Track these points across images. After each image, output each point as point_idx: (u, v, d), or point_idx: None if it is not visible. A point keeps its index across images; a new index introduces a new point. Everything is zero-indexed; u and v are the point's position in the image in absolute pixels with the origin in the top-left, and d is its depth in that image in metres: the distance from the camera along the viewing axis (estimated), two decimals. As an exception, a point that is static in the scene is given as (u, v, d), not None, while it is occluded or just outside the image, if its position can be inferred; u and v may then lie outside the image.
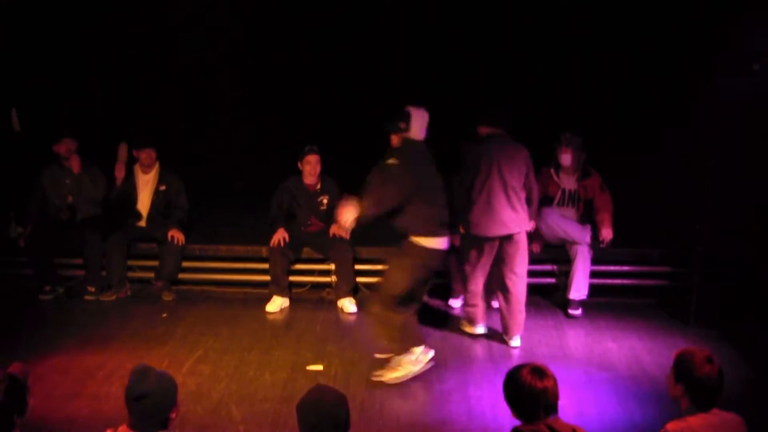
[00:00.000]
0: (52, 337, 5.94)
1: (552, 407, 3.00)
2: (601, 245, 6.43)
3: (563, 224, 6.45)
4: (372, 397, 4.99)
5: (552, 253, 6.65)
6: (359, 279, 6.82)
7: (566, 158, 6.42)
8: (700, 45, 6.02)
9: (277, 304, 6.56)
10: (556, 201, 6.56)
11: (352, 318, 6.45)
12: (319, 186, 6.67)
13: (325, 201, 6.67)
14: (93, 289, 6.71)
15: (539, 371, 3.03)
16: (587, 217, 6.54)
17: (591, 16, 7.36)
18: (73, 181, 6.83)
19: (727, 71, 5.72)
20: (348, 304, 6.55)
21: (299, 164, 6.59)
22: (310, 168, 6.54)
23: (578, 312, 6.36)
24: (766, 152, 5.77)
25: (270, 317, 6.46)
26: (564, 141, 6.39)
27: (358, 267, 6.78)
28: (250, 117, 8.17)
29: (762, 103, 5.69)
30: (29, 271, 6.90)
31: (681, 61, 6.53)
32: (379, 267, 6.82)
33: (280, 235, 6.51)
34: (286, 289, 6.64)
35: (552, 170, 6.54)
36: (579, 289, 6.37)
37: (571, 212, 6.57)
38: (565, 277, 6.71)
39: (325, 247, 6.60)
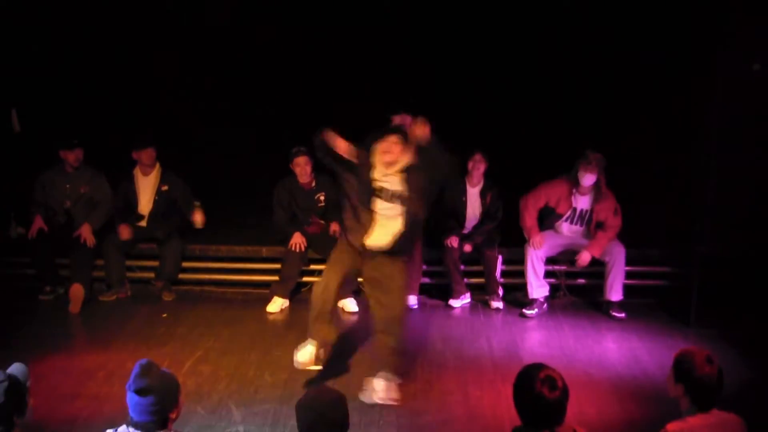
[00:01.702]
0: (52, 337, 5.95)
1: (561, 418, 2.97)
2: (576, 264, 6.41)
3: (575, 246, 6.46)
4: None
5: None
6: (359, 279, 6.83)
7: (590, 178, 6.23)
8: (700, 45, 6.02)
9: (277, 304, 6.56)
10: (564, 218, 6.48)
11: (353, 318, 6.45)
12: (314, 184, 6.69)
13: (322, 198, 6.70)
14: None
15: (552, 381, 2.93)
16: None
17: (590, 16, 7.35)
18: (73, 186, 6.82)
19: (727, 71, 5.72)
20: (349, 304, 6.54)
21: (291, 166, 6.63)
22: (300, 169, 6.59)
23: (622, 314, 6.32)
24: (766, 152, 5.76)
25: (270, 317, 6.46)
26: (593, 161, 6.16)
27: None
28: (251, 117, 8.17)
29: (762, 103, 5.69)
30: (29, 271, 6.90)
31: (681, 61, 6.52)
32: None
33: (298, 239, 6.54)
34: (290, 292, 6.65)
35: (573, 188, 6.36)
36: (612, 289, 6.35)
37: (579, 231, 6.50)
38: (565, 278, 6.76)
39: (324, 247, 6.60)
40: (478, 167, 6.58)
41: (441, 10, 7.65)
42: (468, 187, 6.68)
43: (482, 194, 6.66)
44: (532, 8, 7.49)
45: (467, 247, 6.53)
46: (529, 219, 6.45)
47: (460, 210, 6.70)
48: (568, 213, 6.44)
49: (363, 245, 4.91)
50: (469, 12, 7.65)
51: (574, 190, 6.37)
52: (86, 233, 6.68)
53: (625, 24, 7.18)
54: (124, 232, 6.71)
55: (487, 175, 6.66)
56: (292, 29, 7.93)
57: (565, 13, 7.42)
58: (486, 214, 6.65)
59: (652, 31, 6.97)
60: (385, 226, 4.87)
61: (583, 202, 6.41)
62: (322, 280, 5.05)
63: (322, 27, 7.85)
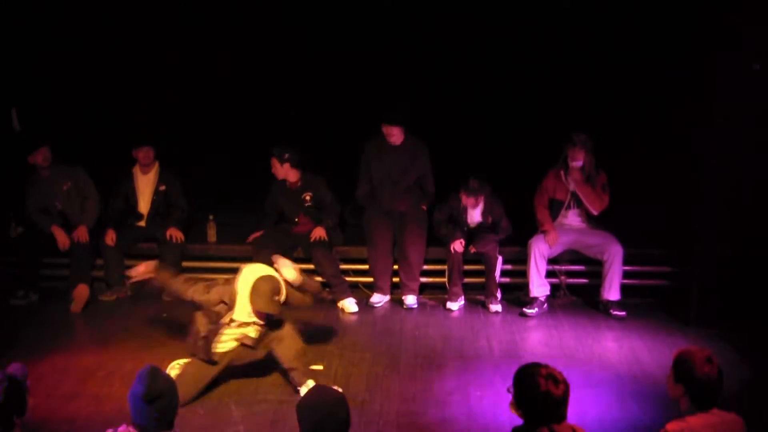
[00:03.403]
0: (52, 337, 5.95)
1: (565, 412, 2.98)
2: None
3: (576, 245, 6.51)
4: (372, 397, 5.00)
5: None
6: (359, 279, 6.84)
7: (578, 160, 6.36)
8: (700, 45, 6.02)
9: None
10: (565, 204, 6.52)
11: (353, 318, 6.45)
12: (300, 183, 6.71)
13: (308, 197, 6.73)
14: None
15: (554, 377, 2.95)
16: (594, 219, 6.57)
17: (590, 16, 7.35)
18: (56, 186, 6.75)
19: (727, 71, 5.72)
20: (348, 305, 6.55)
21: None
22: (274, 170, 6.65)
23: (622, 313, 6.32)
24: (766, 152, 5.76)
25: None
26: (578, 142, 6.32)
27: (356, 267, 6.82)
28: (251, 117, 8.17)
29: (762, 103, 5.69)
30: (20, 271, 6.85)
31: (681, 60, 6.52)
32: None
33: (256, 234, 6.74)
34: None
35: (561, 171, 6.47)
36: (611, 288, 6.38)
37: (577, 215, 6.54)
38: (566, 277, 6.76)
39: (308, 249, 6.62)
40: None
41: (442, 10, 7.65)
42: (469, 209, 6.61)
43: (483, 215, 6.61)
44: (532, 8, 7.49)
45: (474, 249, 6.49)
46: (539, 214, 6.53)
47: (460, 220, 6.63)
48: (567, 198, 6.50)
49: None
50: (471, 13, 7.66)
51: (563, 173, 6.46)
52: (80, 233, 6.67)
53: (625, 25, 7.17)
54: (110, 238, 6.68)
55: (489, 196, 6.53)
56: (293, 29, 7.93)
57: (565, 14, 7.42)
58: (492, 227, 6.59)
59: (652, 32, 6.97)
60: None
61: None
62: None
63: (324, 28, 7.85)
